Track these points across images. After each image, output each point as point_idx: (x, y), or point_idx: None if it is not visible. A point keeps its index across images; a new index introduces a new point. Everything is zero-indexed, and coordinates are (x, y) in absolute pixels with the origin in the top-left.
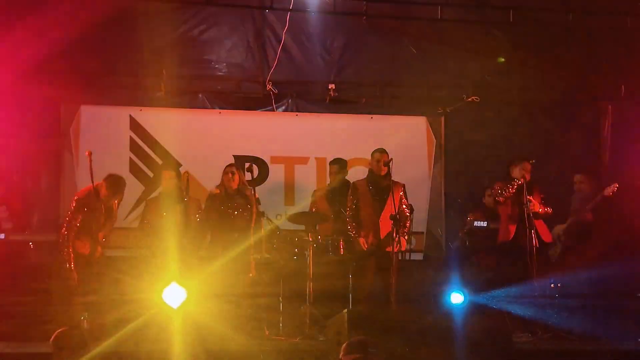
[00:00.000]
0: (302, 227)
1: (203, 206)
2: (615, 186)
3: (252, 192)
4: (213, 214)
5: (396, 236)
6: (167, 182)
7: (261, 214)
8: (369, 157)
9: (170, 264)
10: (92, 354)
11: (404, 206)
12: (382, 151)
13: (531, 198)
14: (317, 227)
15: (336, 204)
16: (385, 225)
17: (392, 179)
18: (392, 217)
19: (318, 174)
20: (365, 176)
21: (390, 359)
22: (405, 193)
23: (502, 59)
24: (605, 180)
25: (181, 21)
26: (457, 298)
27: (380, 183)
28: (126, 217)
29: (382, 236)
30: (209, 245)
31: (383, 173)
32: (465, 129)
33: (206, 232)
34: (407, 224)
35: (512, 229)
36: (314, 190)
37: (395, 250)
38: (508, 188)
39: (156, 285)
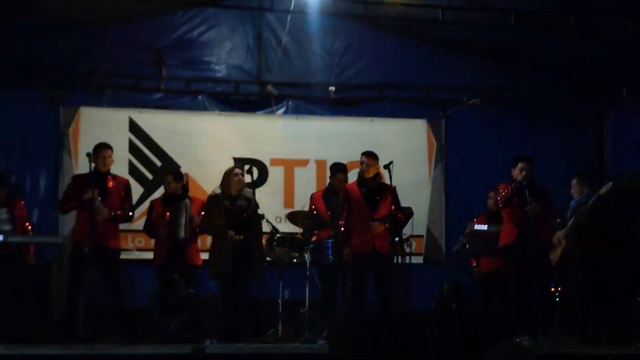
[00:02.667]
0: (301, 230)
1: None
2: (610, 185)
3: (253, 194)
4: (215, 216)
5: (396, 239)
6: (168, 186)
7: (261, 217)
8: None
9: (172, 267)
10: None
11: (397, 209)
12: (369, 154)
13: (533, 200)
14: (315, 230)
15: (334, 207)
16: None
17: (392, 181)
18: (388, 220)
19: (318, 177)
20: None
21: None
22: (396, 195)
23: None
24: (605, 183)
25: (181, 22)
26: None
27: (370, 185)
28: None
29: (375, 239)
30: (210, 247)
31: (370, 175)
32: (466, 131)
33: (208, 233)
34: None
35: (515, 231)
36: (312, 194)
37: (394, 253)
38: (507, 190)
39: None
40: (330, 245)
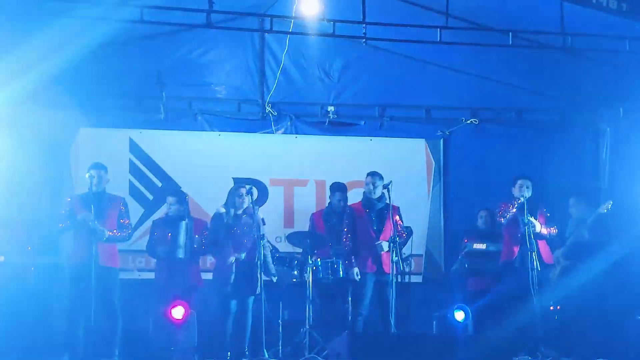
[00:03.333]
0: (301, 250)
1: (209, 226)
2: (609, 204)
3: (257, 213)
4: (220, 234)
5: (396, 258)
6: (169, 207)
7: (261, 236)
8: None
9: (172, 287)
10: None
11: (400, 229)
12: (374, 174)
13: (532, 218)
14: (315, 250)
15: (334, 227)
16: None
17: (391, 201)
18: (391, 240)
19: (317, 197)
20: (360, 199)
21: None
22: (400, 216)
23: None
24: (602, 202)
25: (180, 44)
26: (459, 315)
27: (376, 206)
28: None
29: (381, 259)
30: (216, 266)
31: (376, 196)
32: (465, 150)
33: (211, 253)
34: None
35: (516, 249)
36: (312, 213)
37: (395, 272)
38: (509, 208)
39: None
40: (330, 264)
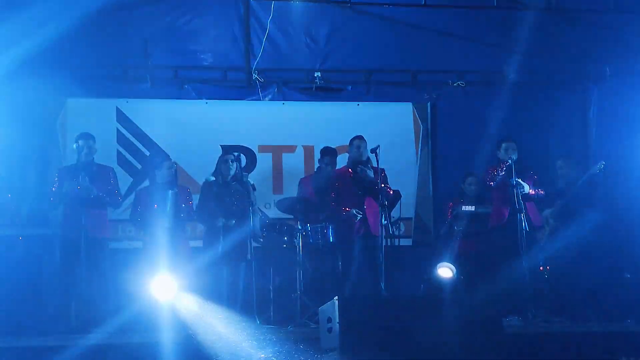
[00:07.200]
0: (291, 216)
1: (199, 195)
2: (602, 164)
3: (247, 179)
4: (210, 201)
5: (385, 222)
6: (163, 172)
7: (251, 203)
8: None
9: (161, 256)
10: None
11: (389, 191)
12: (361, 138)
13: (520, 180)
14: (305, 215)
15: (323, 192)
16: (371, 212)
17: (379, 165)
18: (379, 204)
19: (306, 162)
20: (344, 164)
21: (384, 342)
22: (386, 178)
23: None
24: (591, 163)
25: (165, 12)
26: (446, 272)
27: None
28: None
29: (369, 222)
30: (205, 233)
31: (364, 158)
32: (453, 114)
33: (201, 221)
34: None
35: (505, 212)
36: (301, 179)
37: (384, 235)
38: (497, 171)
39: (147, 278)
40: (320, 229)
